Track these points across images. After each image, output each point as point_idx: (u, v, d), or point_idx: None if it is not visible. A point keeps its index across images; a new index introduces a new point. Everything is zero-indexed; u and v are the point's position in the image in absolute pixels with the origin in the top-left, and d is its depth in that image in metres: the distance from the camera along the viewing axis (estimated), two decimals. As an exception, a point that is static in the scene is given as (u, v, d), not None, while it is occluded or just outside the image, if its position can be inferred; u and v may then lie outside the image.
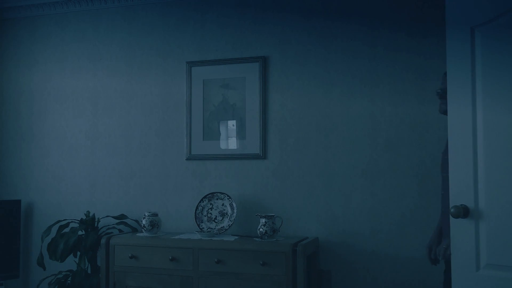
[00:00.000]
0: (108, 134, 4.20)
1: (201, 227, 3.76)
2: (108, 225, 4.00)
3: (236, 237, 3.56)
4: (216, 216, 3.78)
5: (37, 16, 4.41)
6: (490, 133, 2.23)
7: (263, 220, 3.47)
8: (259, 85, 3.84)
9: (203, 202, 3.81)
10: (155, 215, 3.74)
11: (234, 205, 3.72)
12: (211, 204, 3.81)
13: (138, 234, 3.74)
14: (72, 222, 3.95)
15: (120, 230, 3.97)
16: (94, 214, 3.99)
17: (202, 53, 4.01)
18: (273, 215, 3.48)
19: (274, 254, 3.27)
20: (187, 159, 4.00)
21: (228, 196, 3.78)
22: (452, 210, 2.28)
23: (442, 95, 2.77)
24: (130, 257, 3.54)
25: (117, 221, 3.98)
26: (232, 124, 3.92)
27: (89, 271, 3.93)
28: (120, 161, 4.16)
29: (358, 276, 3.59)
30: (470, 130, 2.28)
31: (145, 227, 3.69)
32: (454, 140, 2.35)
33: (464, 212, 2.26)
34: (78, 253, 3.88)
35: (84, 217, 3.99)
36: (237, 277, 3.33)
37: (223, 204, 3.79)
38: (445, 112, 2.75)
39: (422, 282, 3.44)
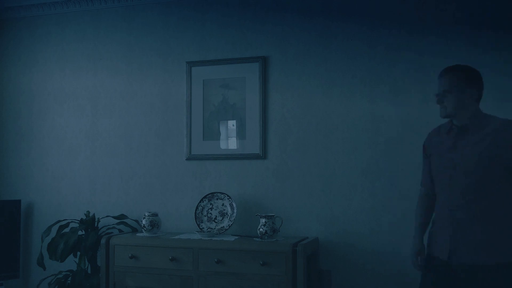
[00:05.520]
0: (108, 134, 4.20)
1: (201, 227, 3.76)
2: (108, 225, 4.00)
3: (236, 237, 3.56)
4: (216, 216, 3.78)
5: (37, 16, 4.41)
6: None
7: (263, 220, 3.47)
8: (259, 85, 3.84)
9: (203, 202, 3.81)
10: (155, 215, 3.74)
11: (234, 205, 3.72)
12: (211, 204, 3.80)
13: (138, 234, 3.74)
14: (72, 222, 3.95)
15: (120, 230, 3.97)
16: (94, 214, 3.99)
17: (202, 53, 4.01)
18: (273, 215, 3.48)
19: (274, 254, 3.26)
20: (187, 159, 3.99)
21: (228, 196, 3.77)
22: None
23: (440, 100, 2.59)
24: (130, 257, 3.54)
25: (117, 221, 3.98)
26: (232, 124, 3.92)
27: (89, 271, 3.93)
28: (120, 161, 4.16)
29: (358, 276, 3.58)
30: None
31: (145, 227, 3.69)
32: None
33: None
34: (78, 253, 3.88)
35: (84, 217, 4.00)
36: (237, 277, 3.33)
37: (223, 204, 3.79)
38: (447, 116, 2.62)
39: (422, 282, 3.44)
